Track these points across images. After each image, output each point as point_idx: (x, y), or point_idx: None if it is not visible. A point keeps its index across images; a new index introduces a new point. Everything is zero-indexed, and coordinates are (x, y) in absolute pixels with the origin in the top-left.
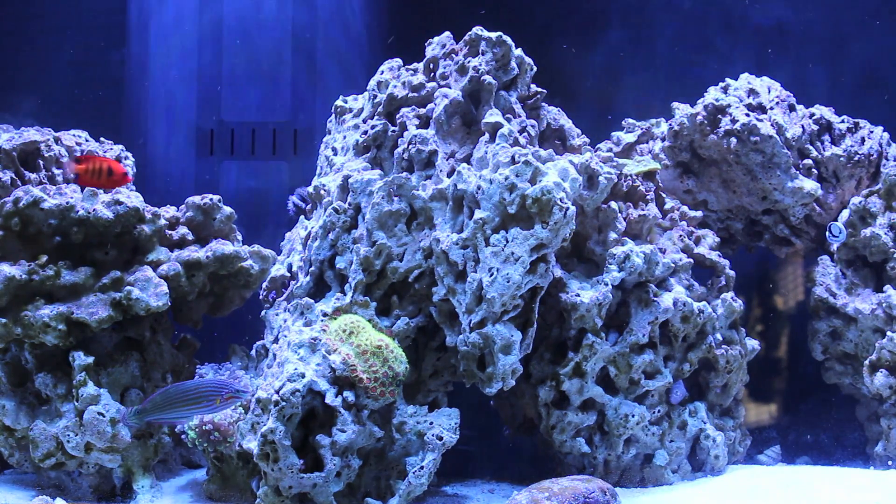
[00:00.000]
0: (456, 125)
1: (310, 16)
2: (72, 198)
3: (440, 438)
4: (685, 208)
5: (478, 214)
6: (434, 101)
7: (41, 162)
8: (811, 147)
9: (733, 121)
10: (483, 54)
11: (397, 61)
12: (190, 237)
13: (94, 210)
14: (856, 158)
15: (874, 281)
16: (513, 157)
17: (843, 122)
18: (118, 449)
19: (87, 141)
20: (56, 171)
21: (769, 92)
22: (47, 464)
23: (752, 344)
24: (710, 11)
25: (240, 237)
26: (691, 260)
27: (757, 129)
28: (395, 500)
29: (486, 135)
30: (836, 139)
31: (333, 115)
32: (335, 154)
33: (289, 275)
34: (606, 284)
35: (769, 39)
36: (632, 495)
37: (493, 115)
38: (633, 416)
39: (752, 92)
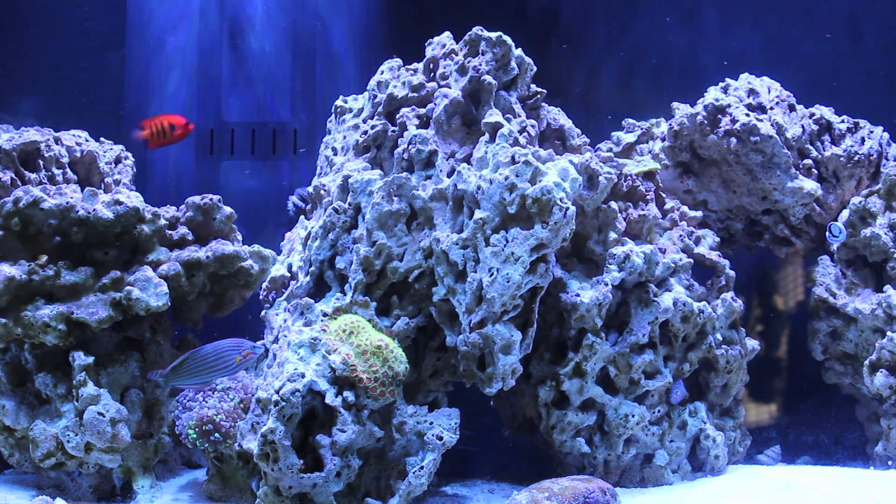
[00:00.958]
0: (456, 125)
1: (310, 16)
2: (72, 198)
3: (440, 438)
4: (685, 208)
5: (478, 214)
6: (434, 101)
7: (41, 162)
8: (811, 147)
9: (733, 121)
10: (483, 54)
11: (397, 61)
12: (190, 237)
13: (94, 210)
14: (856, 158)
15: (874, 281)
16: (513, 157)
17: (843, 122)
18: (118, 449)
19: (87, 141)
20: (56, 171)
21: (769, 92)
22: (47, 464)
23: (752, 344)
24: (709, 11)
25: (240, 237)
26: (691, 260)
27: (757, 129)
28: (395, 500)
29: (486, 135)
30: (836, 139)
31: (333, 115)
32: (335, 154)
33: (289, 275)
34: (606, 284)
35: (769, 39)
36: (632, 495)
37: (493, 115)
38: (633, 416)
39: (752, 92)
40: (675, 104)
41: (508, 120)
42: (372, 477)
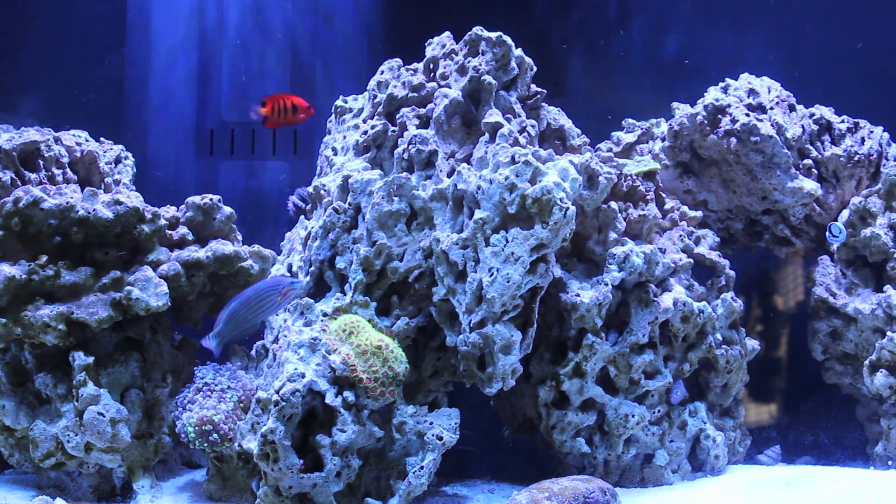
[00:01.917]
0: (456, 125)
1: (309, 15)
2: (72, 198)
3: (440, 438)
4: (685, 208)
5: (478, 214)
6: (434, 101)
7: (41, 162)
8: (811, 147)
9: (733, 121)
10: (483, 54)
11: (397, 61)
12: (190, 237)
13: (94, 210)
14: (856, 158)
15: (874, 281)
16: (513, 157)
17: (843, 122)
18: (118, 449)
19: (87, 141)
20: (56, 171)
21: (769, 92)
22: (47, 464)
23: (752, 344)
24: (709, 11)
25: (240, 237)
26: (691, 260)
27: (757, 129)
28: (395, 500)
29: (486, 135)
30: (836, 139)
31: (333, 115)
32: (335, 154)
33: (289, 275)
34: (606, 284)
35: (769, 39)
36: (632, 495)
37: (493, 115)
38: (633, 416)
39: (752, 92)
40: (675, 104)
41: (508, 120)
42: (372, 477)
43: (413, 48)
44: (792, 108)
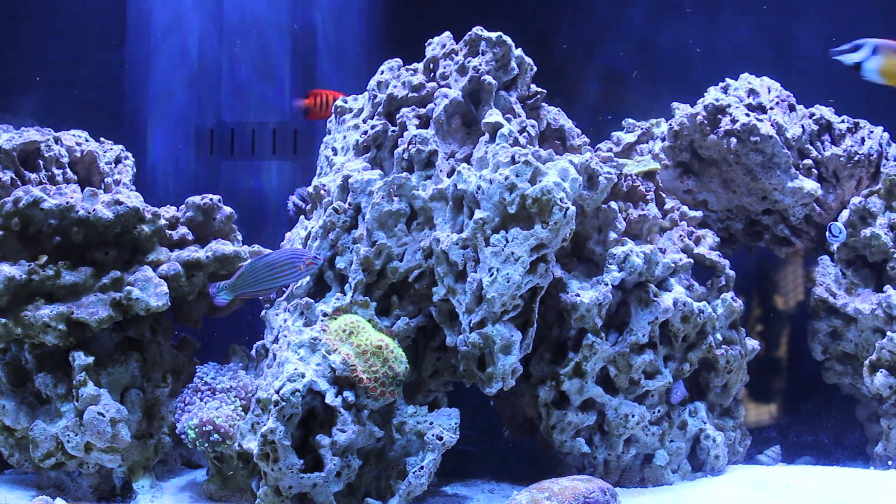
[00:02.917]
0: (456, 125)
1: (309, 15)
2: (72, 198)
3: (440, 438)
4: (685, 208)
5: (478, 214)
6: (434, 101)
7: (41, 162)
8: (811, 147)
9: (733, 121)
10: (483, 54)
11: (397, 61)
12: (190, 237)
13: (94, 210)
14: (856, 158)
15: (874, 281)
16: (513, 157)
17: (843, 122)
18: (118, 449)
19: (87, 141)
20: (56, 171)
21: (769, 92)
22: (47, 464)
23: (752, 344)
24: (709, 11)
25: (240, 237)
26: (691, 260)
27: (757, 129)
28: (395, 500)
29: (486, 135)
30: (836, 139)
31: (333, 115)
32: (335, 154)
33: None
34: (606, 284)
35: (770, 39)
36: (632, 495)
37: (493, 115)
38: (633, 416)
39: (752, 92)
40: (675, 104)
41: (508, 120)
42: (372, 477)
43: (413, 48)
44: (792, 108)
